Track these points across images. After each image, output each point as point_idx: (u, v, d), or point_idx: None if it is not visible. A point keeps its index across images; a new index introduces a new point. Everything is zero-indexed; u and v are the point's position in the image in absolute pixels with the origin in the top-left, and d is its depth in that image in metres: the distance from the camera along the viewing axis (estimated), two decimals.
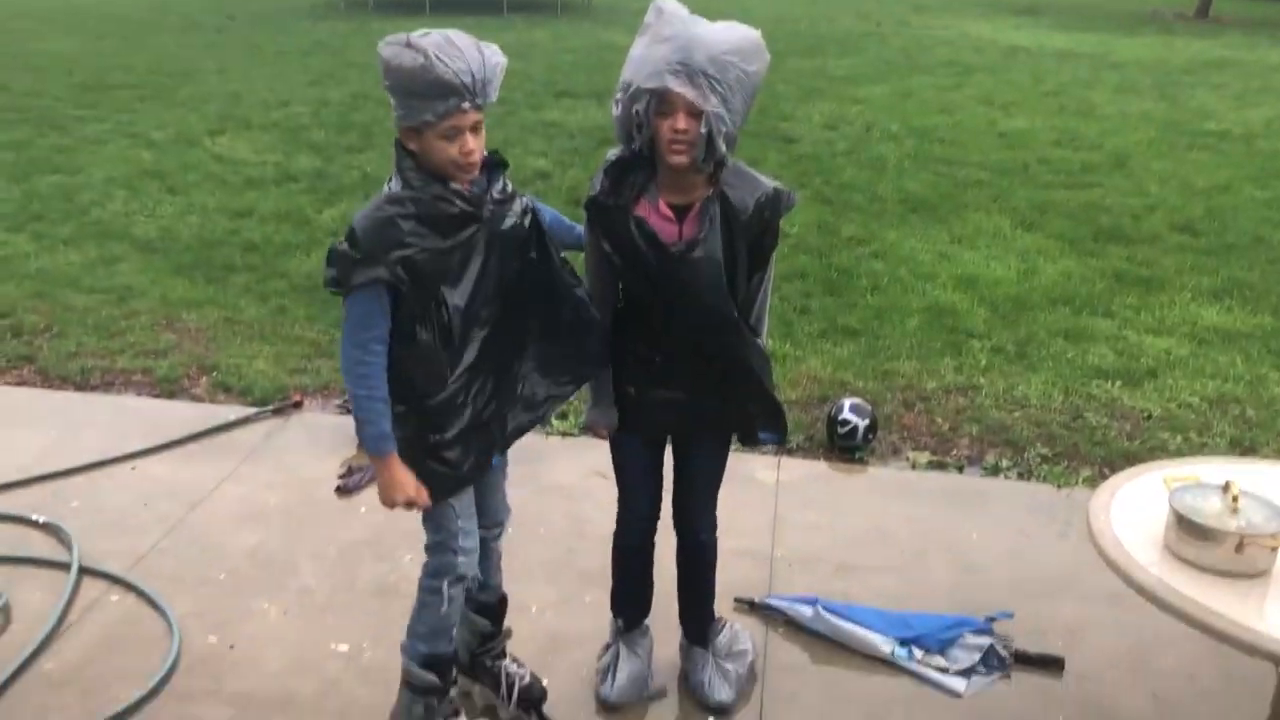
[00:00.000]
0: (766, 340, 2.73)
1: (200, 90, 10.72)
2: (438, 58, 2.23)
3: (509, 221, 2.47)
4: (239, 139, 8.92)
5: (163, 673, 2.99)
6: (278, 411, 4.49)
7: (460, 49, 2.28)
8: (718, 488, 2.90)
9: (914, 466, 4.29)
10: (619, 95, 2.43)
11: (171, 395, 4.70)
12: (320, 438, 4.34)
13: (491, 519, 2.82)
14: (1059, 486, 4.13)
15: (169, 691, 2.94)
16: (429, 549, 2.65)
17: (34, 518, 3.70)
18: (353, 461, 4.10)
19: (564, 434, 4.40)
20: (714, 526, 2.93)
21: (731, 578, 3.32)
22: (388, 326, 2.39)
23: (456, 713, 2.77)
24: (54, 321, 5.35)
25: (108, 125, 9.24)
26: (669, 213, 2.51)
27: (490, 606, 2.89)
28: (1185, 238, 6.96)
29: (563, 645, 3.17)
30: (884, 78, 12.28)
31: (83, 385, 4.77)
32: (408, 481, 2.46)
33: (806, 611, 3.27)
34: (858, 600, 3.37)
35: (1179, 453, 4.34)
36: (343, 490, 3.95)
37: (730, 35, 2.36)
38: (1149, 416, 4.68)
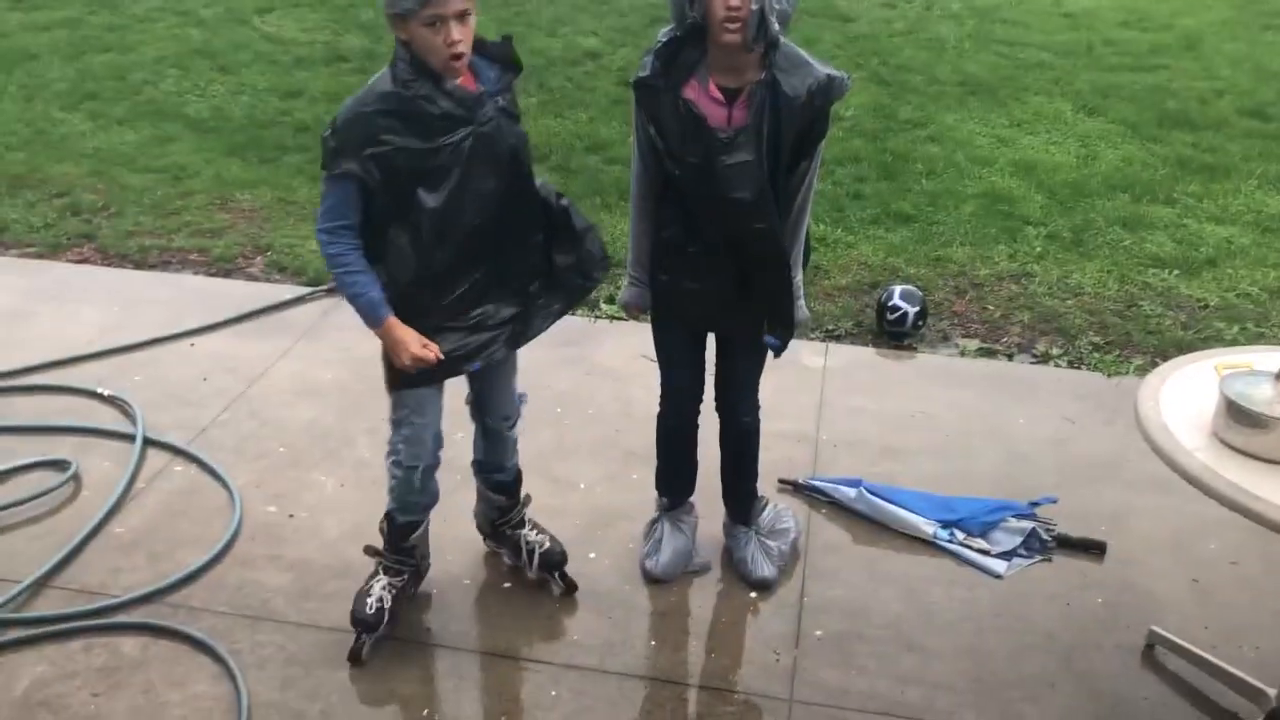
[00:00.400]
0: (805, 236, 2.72)
1: None
2: None
3: (503, 127, 2.43)
4: (287, 17, 8.83)
5: (225, 539, 3.11)
6: (331, 291, 4.55)
7: None
8: (759, 375, 2.93)
9: (963, 354, 4.28)
10: None
11: (228, 274, 4.78)
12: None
13: (498, 413, 2.86)
14: (1109, 375, 4.11)
15: (232, 557, 3.07)
16: (389, 421, 2.72)
17: (100, 390, 3.82)
18: None
19: (612, 318, 4.43)
20: (756, 409, 2.97)
21: (776, 458, 3.36)
22: (357, 218, 2.40)
23: (399, 574, 2.81)
24: (111, 200, 5.42)
25: (156, 2, 9.18)
26: (719, 95, 2.48)
27: (504, 485, 2.97)
28: (1255, 123, 6.73)
29: (610, 520, 3.25)
30: None
31: (141, 263, 4.85)
32: (410, 339, 2.46)
33: (850, 492, 3.32)
34: (901, 483, 3.41)
35: (1234, 343, 4.28)
36: None
37: None
38: (1205, 306, 4.61)
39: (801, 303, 2.76)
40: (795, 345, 4.15)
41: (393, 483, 2.75)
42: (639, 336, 4.25)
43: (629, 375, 4.02)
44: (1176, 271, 4.87)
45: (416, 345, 2.47)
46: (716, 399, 2.95)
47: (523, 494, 3.03)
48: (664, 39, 2.50)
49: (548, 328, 2.69)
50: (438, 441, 2.73)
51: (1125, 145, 6.34)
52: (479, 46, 2.41)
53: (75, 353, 4.06)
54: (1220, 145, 6.35)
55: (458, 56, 2.31)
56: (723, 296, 2.70)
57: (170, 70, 7.39)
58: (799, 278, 2.73)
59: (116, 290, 4.59)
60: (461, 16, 2.29)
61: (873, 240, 5.14)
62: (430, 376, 2.57)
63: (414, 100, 2.32)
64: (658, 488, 3.12)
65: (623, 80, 7.31)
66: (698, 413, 2.98)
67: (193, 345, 4.19)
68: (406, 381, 2.58)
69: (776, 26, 2.36)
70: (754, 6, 2.31)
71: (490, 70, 2.45)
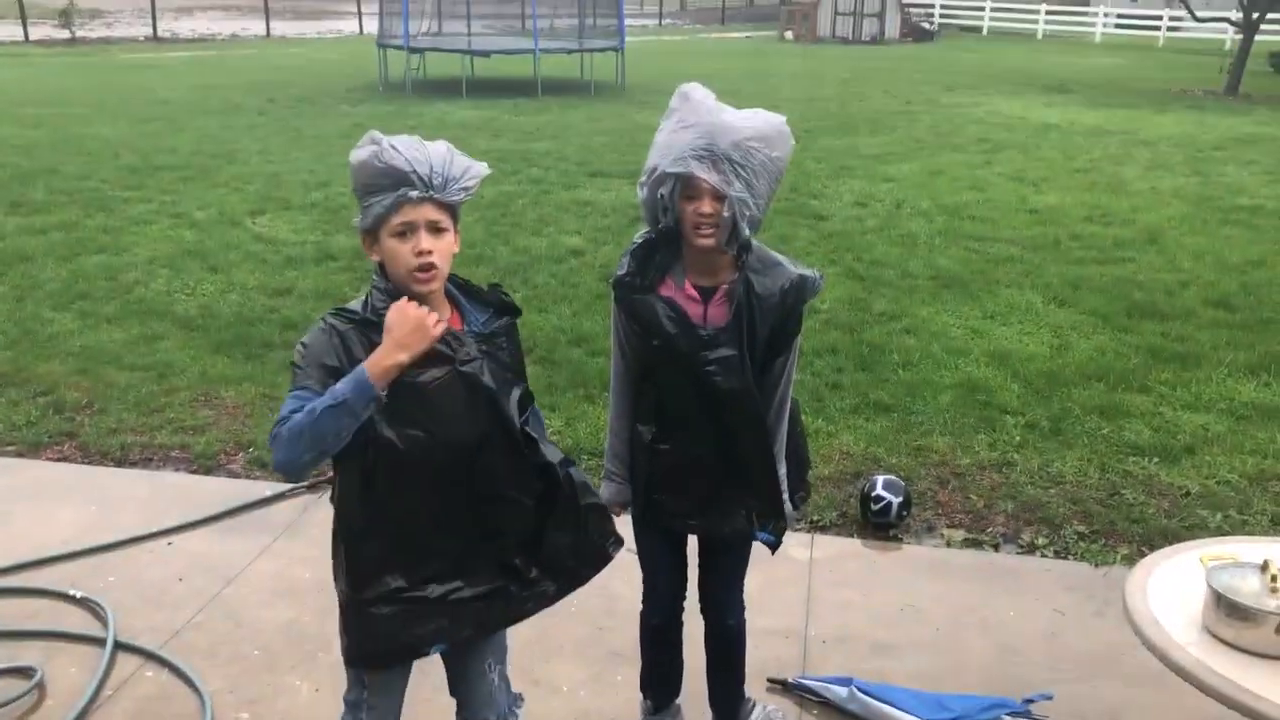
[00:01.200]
0: (799, 437, 2.77)
1: (242, 171, 10.98)
2: (391, 146, 2.13)
3: (490, 368, 2.22)
4: (279, 219, 9.11)
5: None
6: (312, 487, 4.52)
7: (424, 145, 2.16)
8: (743, 573, 2.90)
9: (949, 544, 4.25)
10: (644, 179, 2.49)
11: (209, 471, 4.76)
12: None
13: (477, 714, 2.50)
14: (1096, 565, 4.08)
15: None
16: (344, 700, 2.43)
17: (71, 592, 3.74)
18: None
19: None
20: (740, 610, 2.92)
21: (764, 656, 3.29)
22: None
23: None
24: (95, 398, 5.44)
25: (152, 206, 9.47)
26: (695, 294, 2.55)
27: None
28: (1220, 313, 6.93)
29: None
30: (914, 155, 12.40)
31: (122, 461, 4.83)
32: (406, 319, 2.11)
33: (841, 692, 3.23)
34: (893, 680, 3.33)
35: (1219, 531, 4.28)
36: None
37: (754, 121, 2.42)
38: (1187, 494, 4.62)
39: (788, 500, 2.75)
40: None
41: None
42: (623, 529, 4.22)
43: (611, 569, 3.94)
44: (1156, 459, 4.90)
45: (414, 318, 2.11)
46: (701, 599, 2.89)
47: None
48: (639, 240, 2.59)
49: (536, 612, 2.38)
50: None
51: (1097, 335, 6.49)
52: (468, 290, 2.31)
53: (49, 553, 3.99)
54: (1189, 334, 6.50)
55: (426, 268, 2.14)
56: (703, 498, 2.69)
57: (161, 270, 7.55)
58: (783, 470, 2.73)
59: (95, 488, 4.56)
60: (434, 228, 2.15)
61: (854, 430, 5.18)
62: (390, 656, 2.29)
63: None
64: (642, 689, 3.03)
65: (604, 275, 7.50)
66: (682, 610, 2.93)
67: (170, 544, 4.13)
68: (368, 656, 2.29)
69: (747, 231, 2.43)
70: (725, 214, 2.39)
71: (480, 314, 2.29)
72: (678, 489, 2.69)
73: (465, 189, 2.17)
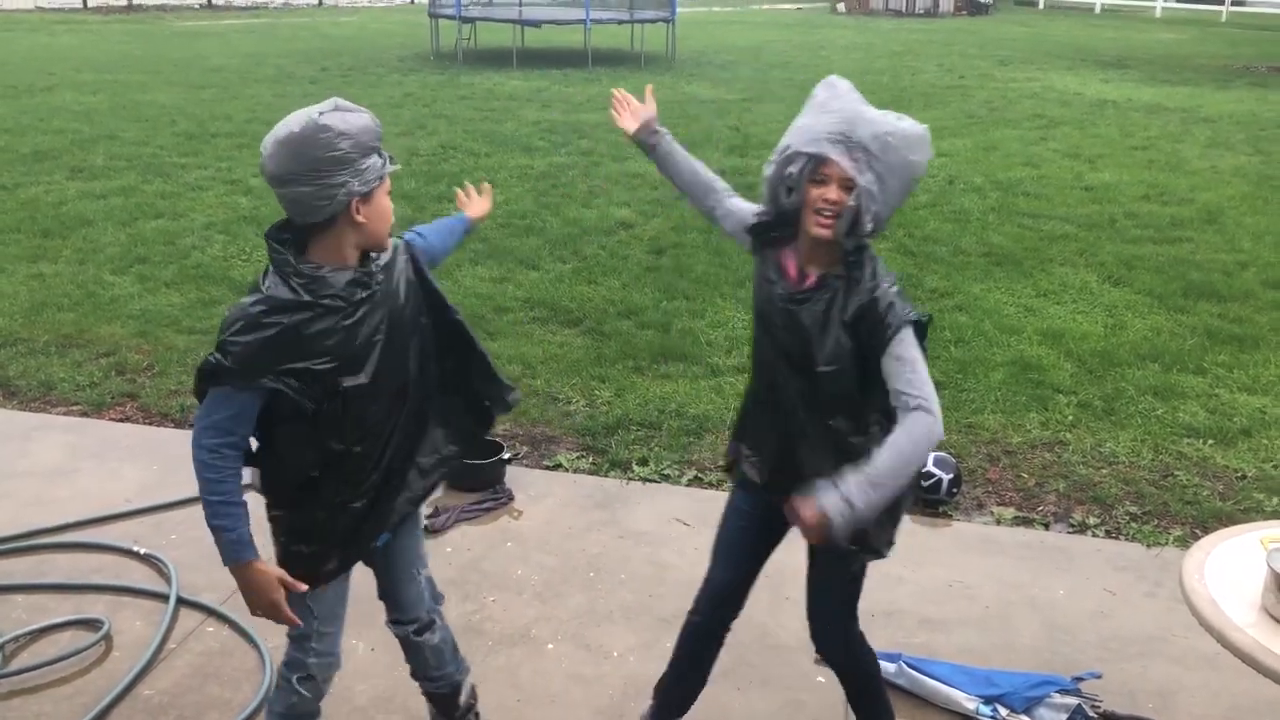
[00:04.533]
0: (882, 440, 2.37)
1: None
2: (367, 112, 2.25)
3: (398, 284, 2.36)
4: None
5: (255, 704, 3.07)
6: None
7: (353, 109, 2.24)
8: (849, 598, 2.63)
9: (999, 522, 4.24)
10: (774, 157, 2.40)
11: None
12: None
13: (408, 613, 2.64)
14: (1148, 545, 4.05)
15: None
16: (289, 636, 2.51)
17: (135, 549, 3.84)
18: (439, 502, 4.18)
19: (644, 479, 4.44)
20: (842, 643, 2.69)
21: None
22: (247, 432, 2.26)
23: None
24: (156, 360, 5.55)
25: (208, 172, 9.60)
26: (794, 275, 2.47)
27: (440, 698, 2.79)
28: None
29: (643, 690, 3.18)
30: (968, 131, 12.25)
31: (182, 423, 4.93)
32: (268, 585, 2.29)
33: (889, 667, 3.25)
34: (941, 656, 3.34)
35: (1276, 514, 4.23)
36: (430, 530, 4.02)
37: (897, 121, 2.34)
38: (1243, 476, 4.57)
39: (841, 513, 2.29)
40: None
41: (294, 699, 2.51)
42: (673, 499, 4.27)
43: (662, 539, 4.00)
44: (1211, 441, 4.85)
45: (275, 590, 2.29)
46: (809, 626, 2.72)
47: (469, 712, 2.84)
48: (755, 217, 2.54)
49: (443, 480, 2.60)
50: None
51: (1152, 315, 6.41)
52: None
53: (114, 510, 4.10)
54: (1248, 316, 6.40)
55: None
56: (774, 454, 2.55)
57: (218, 236, 7.66)
58: (856, 480, 2.28)
59: (157, 449, 4.66)
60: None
61: None
62: (331, 573, 2.42)
63: (329, 297, 2.22)
64: (655, 688, 2.89)
65: (654, 248, 7.51)
66: (729, 620, 2.76)
67: None
68: (313, 580, 2.38)
69: (869, 226, 2.33)
70: (850, 203, 2.30)
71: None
72: (756, 442, 2.59)
73: None
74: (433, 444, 2.51)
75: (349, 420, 2.29)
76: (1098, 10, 35.50)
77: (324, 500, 2.37)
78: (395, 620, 2.67)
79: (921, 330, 2.36)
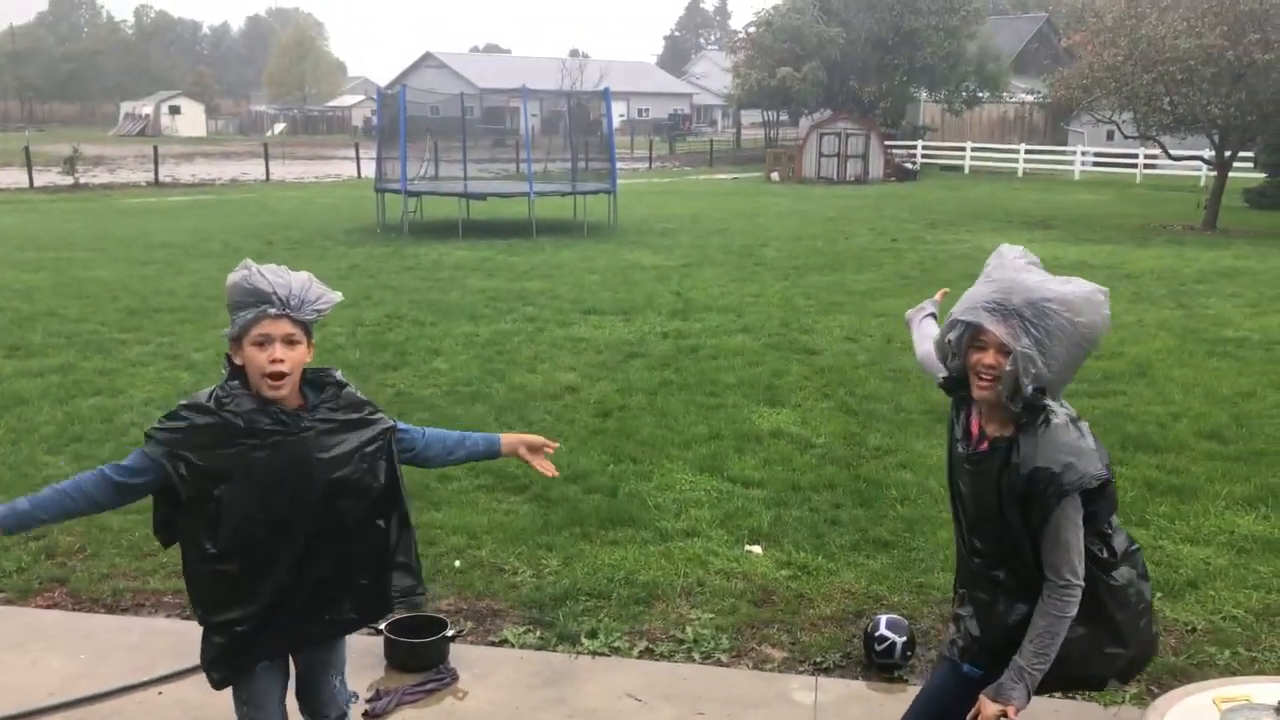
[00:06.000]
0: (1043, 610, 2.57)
1: None
2: (259, 272, 2.62)
3: (331, 445, 2.66)
4: None
5: None
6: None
7: (287, 273, 2.66)
8: None
9: None
10: (946, 324, 2.62)
11: None
12: (349, 659, 4.27)
13: (317, 707, 3.01)
14: (1105, 705, 4.00)
15: None
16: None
17: None
18: (380, 685, 4.03)
19: (594, 653, 4.33)
20: None
21: None
22: (133, 480, 2.65)
23: None
24: (88, 543, 5.38)
25: (150, 348, 9.54)
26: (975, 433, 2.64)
27: None
28: (1214, 445, 6.95)
29: None
30: (902, 291, 12.60)
31: (113, 607, 4.76)
32: None
33: None
34: None
35: (1228, 669, 4.22)
36: (370, 715, 3.87)
37: (1061, 287, 2.46)
38: (1193, 629, 4.56)
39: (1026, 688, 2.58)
40: (782, 680, 4.08)
41: None
42: (623, 674, 4.16)
43: (613, 716, 3.88)
44: (1159, 594, 4.85)
45: None
46: None
47: None
48: (942, 376, 2.70)
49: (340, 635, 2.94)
50: None
51: None
52: (316, 383, 2.75)
53: (35, 705, 3.90)
54: (1184, 467, 6.52)
55: (276, 376, 2.59)
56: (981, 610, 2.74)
57: (157, 411, 7.49)
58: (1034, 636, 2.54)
59: (85, 637, 4.47)
60: (288, 340, 2.61)
61: (854, 567, 5.14)
62: (240, 664, 2.76)
63: (229, 412, 2.61)
64: None
65: (600, 411, 7.53)
66: None
67: (160, 694, 4.03)
68: (218, 666, 2.75)
69: (1030, 389, 2.44)
70: (1008, 367, 2.42)
71: (315, 395, 2.73)
72: (961, 599, 2.78)
73: (318, 310, 2.67)
74: (333, 602, 2.78)
75: (223, 528, 2.62)
76: (1019, 174, 37.22)
77: (211, 606, 2.72)
78: (304, 708, 3.02)
79: (1098, 491, 2.53)
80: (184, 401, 2.68)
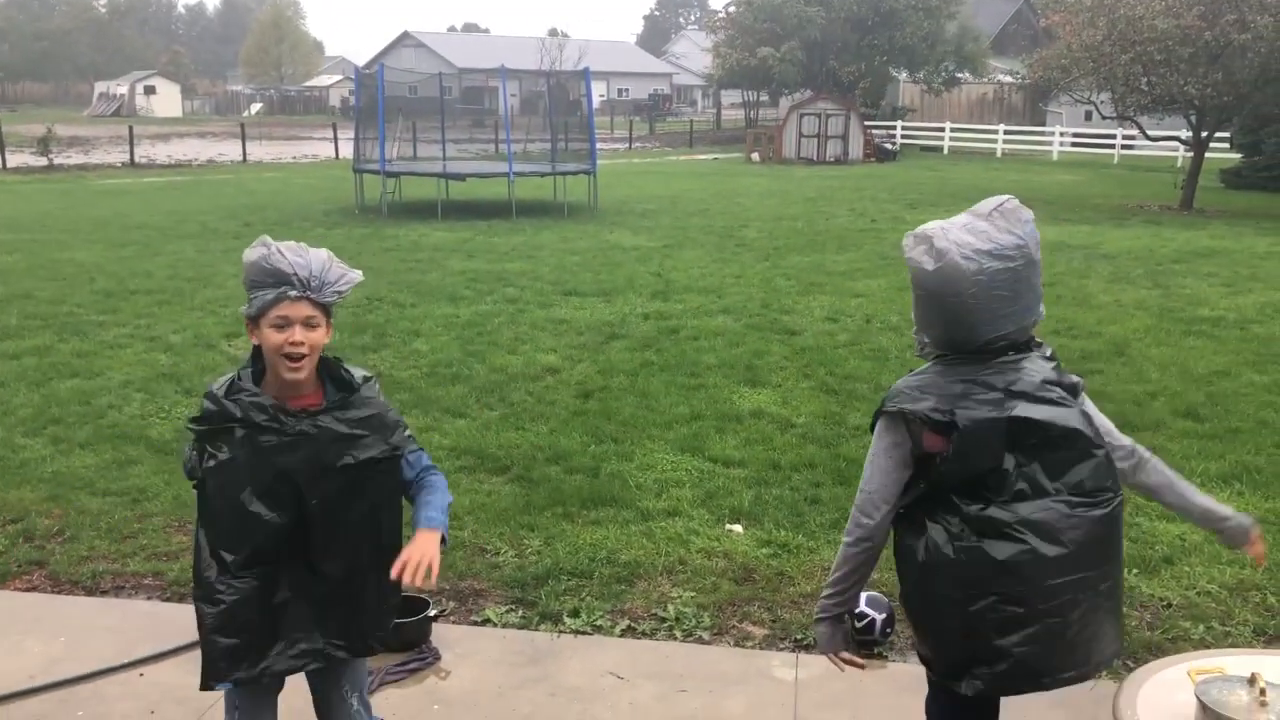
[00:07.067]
0: None
1: (217, 294, 11.04)
2: (279, 251, 2.52)
3: (323, 455, 2.56)
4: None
5: None
6: None
7: (306, 251, 2.56)
8: None
9: None
10: None
11: (182, 599, 4.67)
12: None
13: None
14: None
15: None
16: None
17: None
18: None
19: (576, 631, 4.35)
20: None
21: None
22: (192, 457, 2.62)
23: None
24: (67, 525, 5.36)
25: (127, 330, 9.48)
26: None
27: None
28: (1189, 423, 7.02)
29: None
30: (882, 271, 12.64)
31: (93, 589, 4.74)
32: None
33: None
34: None
35: (1202, 642, 4.27)
36: None
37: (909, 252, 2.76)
38: (1169, 605, 4.62)
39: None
40: (764, 656, 4.11)
41: None
42: (606, 652, 4.18)
43: (595, 694, 3.90)
44: (1135, 570, 4.91)
45: None
46: None
47: None
48: None
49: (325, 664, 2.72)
50: None
51: None
52: (332, 371, 2.68)
53: (15, 688, 3.88)
54: (1161, 445, 6.57)
55: (295, 357, 2.53)
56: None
57: (135, 394, 7.52)
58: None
59: (65, 618, 4.46)
60: (308, 323, 2.54)
61: (834, 545, 5.15)
62: (228, 673, 2.60)
63: (229, 400, 2.56)
64: None
65: (581, 392, 7.54)
66: None
67: (141, 675, 4.03)
68: (214, 679, 2.59)
69: (921, 349, 2.73)
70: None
71: (333, 394, 2.65)
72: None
73: (339, 292, 2.57)
74: (319, 626, 2.65)
75: (231, 521, 2.54)
76: (998, 155, 37.32)
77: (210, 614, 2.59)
78: None
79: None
80: (210, 385, 2.67)
